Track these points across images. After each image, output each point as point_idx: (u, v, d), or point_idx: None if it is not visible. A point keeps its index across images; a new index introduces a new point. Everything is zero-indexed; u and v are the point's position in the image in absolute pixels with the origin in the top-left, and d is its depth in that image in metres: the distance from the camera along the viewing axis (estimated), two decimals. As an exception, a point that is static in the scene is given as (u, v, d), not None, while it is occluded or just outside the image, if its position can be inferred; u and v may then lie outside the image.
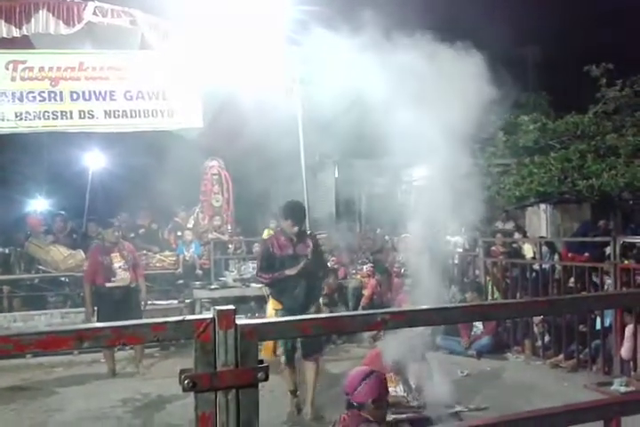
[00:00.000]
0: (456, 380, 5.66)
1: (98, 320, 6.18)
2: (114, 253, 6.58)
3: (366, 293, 8.34)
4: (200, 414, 1.35)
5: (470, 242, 9.50)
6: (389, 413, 2.93)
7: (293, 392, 5.10)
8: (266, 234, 10.35)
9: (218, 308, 1.40)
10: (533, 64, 16.07)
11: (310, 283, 4.93)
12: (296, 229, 4.94)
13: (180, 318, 1.38)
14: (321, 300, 5.67)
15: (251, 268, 9.16)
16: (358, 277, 8.95)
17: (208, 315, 1.39)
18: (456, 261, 8.97)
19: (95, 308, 6.48)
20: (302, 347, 4.98)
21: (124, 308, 6.29)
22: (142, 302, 6.76)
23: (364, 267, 9.11)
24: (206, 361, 1.36)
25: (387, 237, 10.36)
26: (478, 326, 7.26)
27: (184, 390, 1.34)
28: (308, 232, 5.29)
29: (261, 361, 1.42)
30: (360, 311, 7.00)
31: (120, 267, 6.55)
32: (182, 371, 1.36)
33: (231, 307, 1.42)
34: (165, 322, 1.38)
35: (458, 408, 4.69)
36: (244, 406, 1.38)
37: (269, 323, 1.48)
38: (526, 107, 13.06)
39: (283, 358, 5.04)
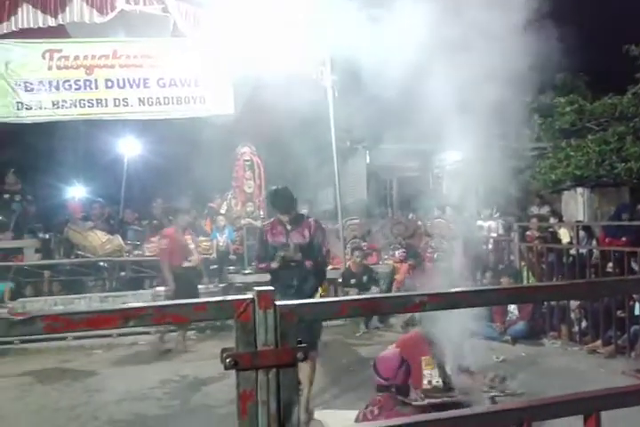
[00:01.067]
0: (491, 365, 5.63)
1: (172, 299, 6.35)
2: (187, 236, 6.92)
3: (398, 277, 8.33)
4: (241, 391, 1.37)
5: (505, 227, 9.37)
6: (424, 396, 2.94)
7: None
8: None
9: (257, 288, 1.42)
10: (570, 44, 15.60)
11: (303, 272, 4.59)
12: (286, 216, 4.68)
13: (220, 298, 1.41)
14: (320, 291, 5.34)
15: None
16: (390, 262, 8.94)
17: (248, 295, 1.42)
18: (490, 247, 8.87)
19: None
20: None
21: (192, 288, 6.64)
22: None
23: (397, 252, 9.09)
24: (247, 340, 1.39)
25: (419, 222, 10.29)
26: (513, 311, 7.18)
27: (226, 368, 1.37)
28: (310, 219, 4.89)
29: (300, 341, 1.44)
30: (398, 293, 7.02)
31: (193, 249, 7.02)
32: (224, 350, 1.39)
33: (270, 288, 1.44)
34: (207, 302, 1.40)
35: (493, 393, 4.67)
36: (284, 386, 1.40)
37: (308, 304, 1.49)
38: (562, 88, 12.72)
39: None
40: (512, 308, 7.10)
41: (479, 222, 9.40)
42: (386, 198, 12.92)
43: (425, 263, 8.56)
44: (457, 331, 4.18)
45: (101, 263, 8.98)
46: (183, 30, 7.70)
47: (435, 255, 8.30)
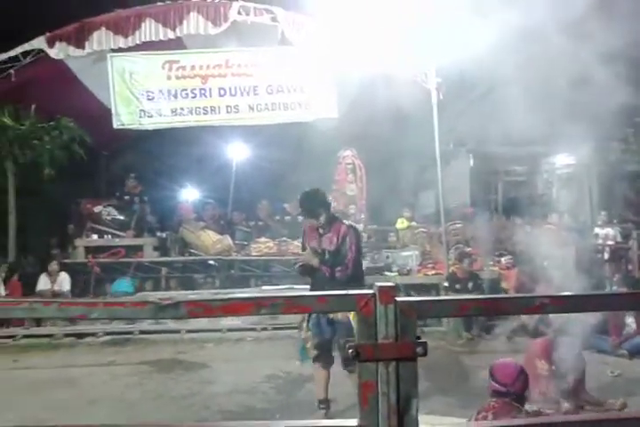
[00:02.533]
0: (606, 380, 5.31)
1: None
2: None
3: (510, 285, 8.06)
4: (363, 382, 1.43)
5: (623, 234, 8.78)
6: (540, 405, 2.87)
7: (323, 402, 4.44)
8: (399, 223, 10.38)
9: (379, 284, 1.47)
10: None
11: (322, 280, 4.40)
12: (315, 221, 4.50)
13: (344, 291, 1.47)
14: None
15: (384, 256, 9.26)
16: (496, 268, 8.67)
17: (369, 291, 1.47)
18: (606, 256, 8.35)
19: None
20: (340, 354, 4.32)
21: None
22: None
23: (503, 259, 8.80)
24: (368, 333, 1.44)
25: (527, 228, 9.88)
26: (631, 324, 6.72)
27: (349, 358, 1.43)
28: (342, 224, 4.57)
29: (419, 337, 1.47)
30: (519, 294, 6.78)
31: None
32: (346, 341, 1.45)
33: (391, 284, 1.48)
34: (330, 295, 1.48)
35: (606, 408, 4.41)
36: (403, 379, 1.44)
37: (429, 301, 1.52)
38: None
39: (313, 353, 4.49)
40: (630, 321, 6.64)
41: (595, 230, 8.89)
42: (490, 202, 12.53)
43: (533, 271, 8.21)
44: (574, 342, 4.00)
45: (211, 262, 9.47)
46: (290, 38, 7.95)
47: (544, 263, 7.94)
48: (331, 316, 4.40)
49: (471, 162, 12.68)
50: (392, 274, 8.60)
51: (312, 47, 8.07)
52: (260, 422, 1.48)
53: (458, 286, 7.79)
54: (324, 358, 4.48)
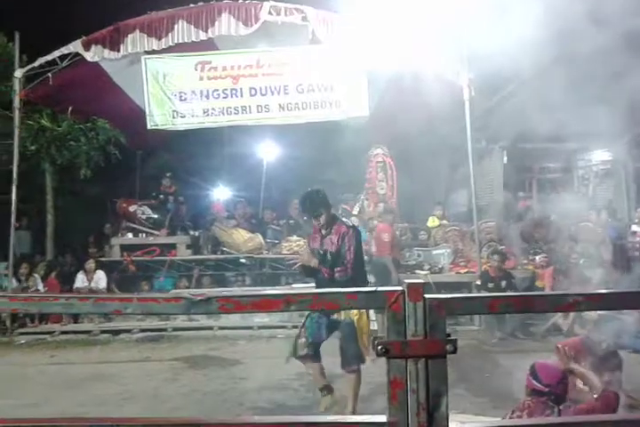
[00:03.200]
0: (644, 381, 5.16)
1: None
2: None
3: (544, 284, 7.92)
4: (392, 378, 1.43)
5: (662, 232, 8.54)
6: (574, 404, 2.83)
7: (326, 388, 4.57)
8: (430, 221, 10.30)
9: (408, 281, 1.47)
10: None
11: (321, 281, 4.42)
12: (315, 222, 4.48)
13: (372, 288, 1.48)
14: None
15: (415, 254, 9.21)
16: (530, 267, 8.53)
17: (398, 287, 1.47)
18: (644, 253, 8.13)
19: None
20: (341, 355, 4.47)
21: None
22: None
23: (537, 257, 8.65)
24: (397, 330, 1.44)
25: (562, 226, 9.70)
26: (671, 324, 6.52)
27: (377, 355, 1.44)
28: (342, 224, 4.52)
29: (449, 334, 1.47)
30: (551, 292, 6.69)
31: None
32: (375, 338, 1.46)
33: (421, 281, 1.48)
34: (359, 291, 1.48)
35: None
36: (433, 376, 1.43)
37: (458, 298, 1.51)
38: None
39: (305, 351, 4.52)
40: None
41: (632, 227, 8.66)
42: (525, 200, 12.31)
43: (568, 269, 8.06)
44: (609, 341, 3.91)
45: (243, 260, 9.56)
46: (321, 37, 7.93)
47: (580, 261, 7.78)
48: (334, 316, 4.38)
49: (505, 159, 12.48)
50: (423, 272, 8.55)
51: (342, 45, 8.05)
52: (288, 417, 1.49)
53: (491, 285, 7.69)
54: (311, 357, 4.57)
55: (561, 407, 2.52)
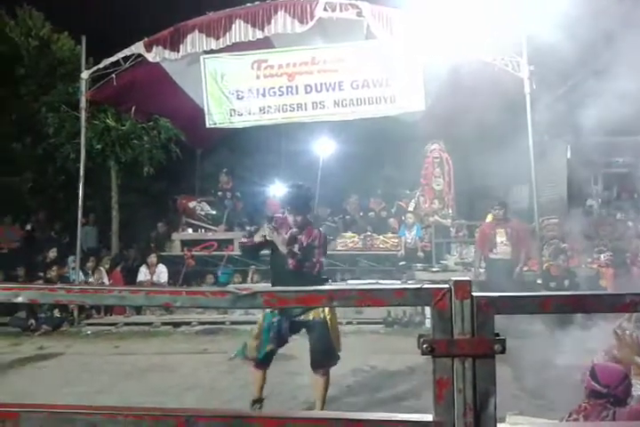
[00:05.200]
0: None
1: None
2: (499, 229, 7.49)
3: (609, 283, 7.60)
4: (438, 378, 1.41)
5: None
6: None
7: (257, 401, 4.47)
8: (489, 218, 10.06)
9: (454, 278, 1.44)
10: None
11: (294, 275, 4.26)
12: (294, 217, 4.35)
13: (418, 285, 1.46)
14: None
15: (473, 251, 9.03)
16: (594, 266, 8.20)
17: (445, 285, 1.45)
18: None
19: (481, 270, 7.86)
20: (312, 356, 4.39)
21: (507, 277, 7.07)
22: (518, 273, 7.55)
23: (602, 255, 8.30)
24: (443, 328, 1.42)
25: (629, 224, 9.27)
26: None
27: (422, 353, 1.42)
28: (316, 229, 4.49)
29: (497, 334, 1.43)
30: (606, 291, 6.42)
31: (502, 242, 7.49)
32: (420, 336, 1.44)
33: (467, 278, 1.45)
34: (406, 289, 1.47)
35: None
36: (480, 376, 1.40)
37: (507, 296, 1.47)
38: None
39: (255, 354, 4.41)
40: None
41: None
42: (590, 196, 11.82)
43: (634, 269, 7.70)
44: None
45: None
46: (376, 32, 7.88)
47: (648, 260, 7.42)
48: (301, 317, 4.29)
49: (568, 153, 12.03)
50: (481, 270, 8.37)
51: (398, 40, 7.96)
52: (332, 413, 1.50)
53: (553, 285, 7.45)
54: (260, 364, 4.48)
55: (616, 409, 2.41)
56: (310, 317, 4.30)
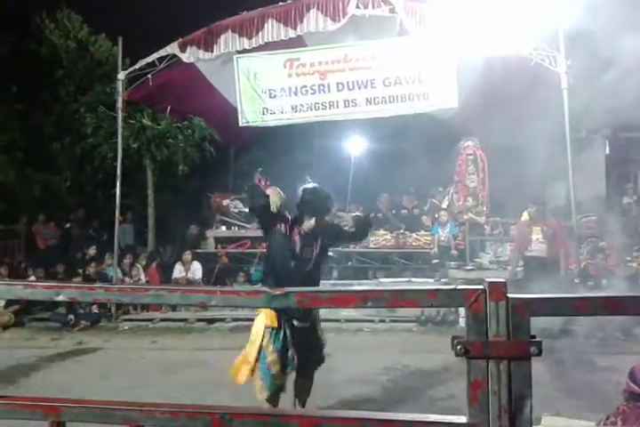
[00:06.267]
0: None
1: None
2: (535, 227, 7.49)
3: (645, 282, 7.40)
4: (472, 379, 1.40)
5: None
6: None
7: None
8: (525, 216, 9.88)
9: (489, 279, 1.43)
10: None
11: (302, 274, 3.92)
12: (312, 223, 3.91)
13: (452, 286, 1.45)
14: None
15: (508, 250, 8.89)
16: (634, 265, 7.98)
17: (479, 286, 1.43)
18: None
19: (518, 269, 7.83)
20: (298, 368, 4.11)
21: (543, 275, 6.94)
22: (562, 272, 7.45)
23: (642, 254, 8.08)
24: (478, 330, 1.40)
25: (671, 221, 8.99)
26: None
27: (456, 355, 1.41)
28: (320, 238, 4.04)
29: (534, 336, 1.41)
30: None
31: (537, 239, 7.38)
32: (454, 337, 1.42)
33: (502, 280, 1.43)
34: (439, 290, 1.46)
35: None
36: (516, 379, 1.38)
37: (543, 298, 1.44)
38: None
39: (265, 394, 4.01)
40: None
41: None
42: (630, 193, 11.50)
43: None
44: None
45: (330, 253, 9.65)
46: (409, 28, 7.81)
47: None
48: (295, 323, 3.99)
49: (607, 149, 11.72)
50: (518, 269, 8.24)
51: (431, 36, 7.87)
52: (361, 412, 1.50)
53: (590, 283, 7.29)
54: (275, 397, 4.09)
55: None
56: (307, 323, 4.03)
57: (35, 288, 1.47)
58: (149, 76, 8.69)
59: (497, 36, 7.34)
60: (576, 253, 7.92)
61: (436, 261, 9.40)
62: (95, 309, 8.65)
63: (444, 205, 10.37)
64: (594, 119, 10.17)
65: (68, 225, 12.01)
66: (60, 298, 1.46)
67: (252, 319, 8.32)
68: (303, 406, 4.32)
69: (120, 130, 9.12)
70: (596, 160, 11.33)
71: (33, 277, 8.81)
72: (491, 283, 1.41)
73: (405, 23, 7.73)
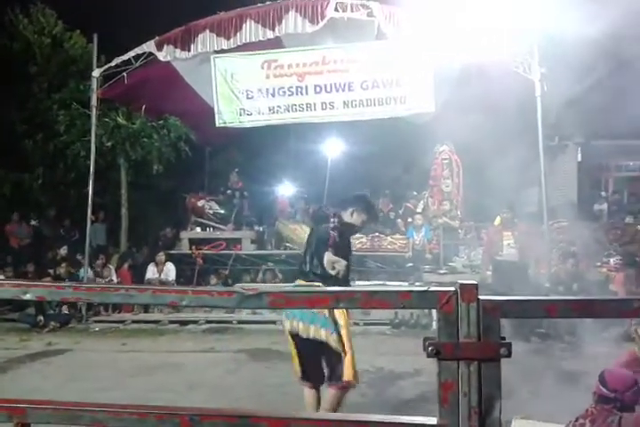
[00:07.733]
0: None
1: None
2: (506, 232, 7.70)
3: (619, 287, 7.54)
4: (443, 381, 1.40)
5: None
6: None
7: None
8: (498, 221, 10.01)
9: (461, 281, 1.44)
10: None
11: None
12: (363, 218, 4.20)
13: (424, 288, 1.45)
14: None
15: (480, 254, 8.99)
16: (604, 270, 8.15)
17: (451, 288, 1.44)
18: None
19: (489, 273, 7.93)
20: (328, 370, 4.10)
21: (514, 279, 7.04)
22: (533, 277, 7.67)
23: (611, 259, 8.25)
24: (449, 331, 1.41)
25: (639, 227, 9.21)
26: None
27: (428, 356, 1.41)
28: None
29: (504, 337, 1.42)
30: (616, 297, 6.37)
31: (509, 244, 7.66)
32: (426, 339, 1.43)
33: (474, 282, 1.45)
34: (411, 291, 1.46)
35: None
36: (485, 380, 1.39)
37: (514, 300, 1.46)
38: None
39: (297, 368, 4.18)
40: None
41: None
42: (599, 200, 11.75)
43: (645, 273, 7.64)
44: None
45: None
46: (387, 32, 7.86)
47: (658, 265, 7.36)
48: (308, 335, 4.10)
49: (579, 156, 11.96)
50: (488, 273, 8.34)
51: (409, 40, 7.94)
52: (339, 414, 1.50)
53: (561, 288, 7.41)
54: (307, 375, 4.25)
55: (622, 415, 2.39)
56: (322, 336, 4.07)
57: (1, 286, 1.44)
58: (125, 74, 8.58)
59: (473, 42, 7.43)
60: (547, 257, 8.05)
61: (410, 264, 9.46)
62: (65, 310, 8.50)
63: (418, 209, 10.45)
64: (567, 126, 10.38)
65: (33, 222, 11.74)
66: (28, 297, 1.43)
67: (227, 321, 8.32)
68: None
69: (94, 128, 8.99)
70: (568, 167, 11.54)
71: (1, 277, 8.62)
72: (462, 285, 1.42)
73: (383, 27, 7.78)
